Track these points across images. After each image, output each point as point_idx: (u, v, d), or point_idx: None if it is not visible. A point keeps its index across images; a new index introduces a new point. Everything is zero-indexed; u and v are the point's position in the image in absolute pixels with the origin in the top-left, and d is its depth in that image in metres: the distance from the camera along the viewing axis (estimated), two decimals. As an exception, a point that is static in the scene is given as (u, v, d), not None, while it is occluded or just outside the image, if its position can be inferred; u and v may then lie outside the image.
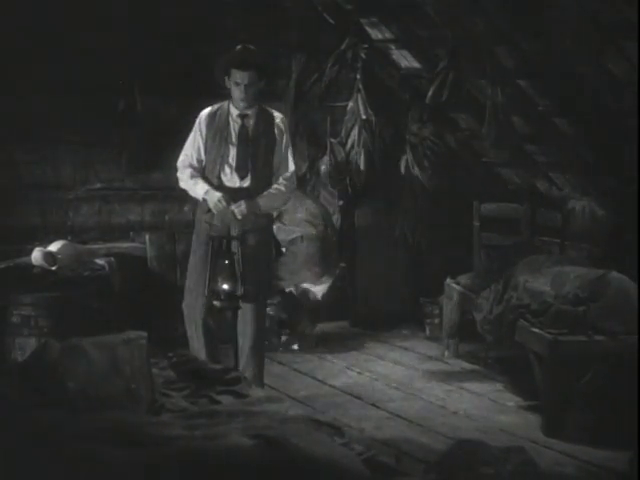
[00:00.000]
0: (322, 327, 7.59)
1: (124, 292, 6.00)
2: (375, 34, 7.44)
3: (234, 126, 5.56)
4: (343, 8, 7.34)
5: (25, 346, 5.77)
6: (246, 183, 5.52)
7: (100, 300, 5.76)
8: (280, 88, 7.48)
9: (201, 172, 5.57)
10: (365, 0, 7.15)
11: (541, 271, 5.85)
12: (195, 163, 5.59)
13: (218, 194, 5.43)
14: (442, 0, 6.33)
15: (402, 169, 7.61)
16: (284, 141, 5.62)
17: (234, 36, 7.23)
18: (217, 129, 5.57)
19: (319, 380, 6.25)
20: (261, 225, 5.59)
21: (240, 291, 5.36)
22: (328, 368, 6.57)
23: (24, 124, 6.59)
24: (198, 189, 5.54)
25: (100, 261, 6.40)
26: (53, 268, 6.24)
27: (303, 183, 7.72)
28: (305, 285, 7.14)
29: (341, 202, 7.65)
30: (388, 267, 7.81)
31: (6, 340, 5.92)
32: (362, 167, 7.54)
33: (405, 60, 7.48)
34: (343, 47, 7.50)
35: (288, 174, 5.61)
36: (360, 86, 7.53)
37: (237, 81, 5.46)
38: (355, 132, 7.56)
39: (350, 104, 7.57)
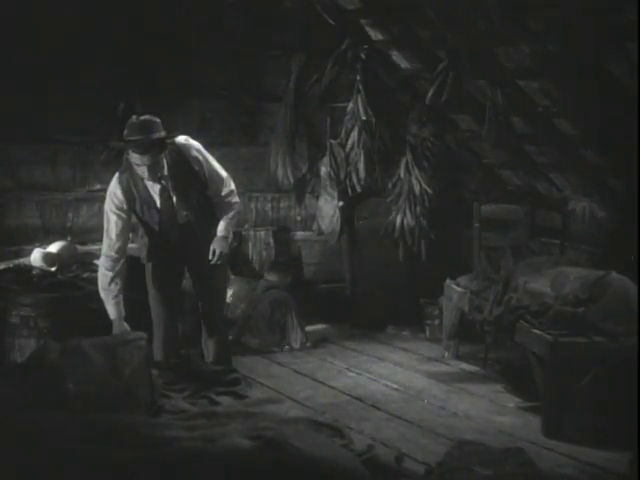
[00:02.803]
0: (322, 328, 7.60)
1: (123, 293, 5.98)
2: (375, 35, 7.43)
3: (154, 191, 5.44)
4: (343, 8, 7.33)
5: (24, 347, 5.77)
6: (185, 220, 5.51)
7: (99, 301, 5.75)
8: (280, 89, 7.47)
9: (119, 264, 5.47)
10: (365, 0, 7.14)
11: (541, 272, 5.85)
12: (116, 252, 5.45)
13: (121, 329, 5.43)
14: (442, 0, 6.32)
15: (402, 170, 7.60)
16: (202, 162, 5.48)
17: (234, 36, 7.28)
18: (142, 200, 5.44)
19: (319, 381, 6.24)
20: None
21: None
22: (328, 369, 6.56)
23: (24, 124, 6.58)
24: (109, 308, 5.49)
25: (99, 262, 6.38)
26: (53, 269, 6.24)
27: (303, 184, 7.73)
28: None
29: (341, 203, 7.64)
30: (388, 268, 7.80)
31: (5, 341, 5.91)
32: (362, 168, 7.54)
33: (405, 61, 7.48)
34: (343, 48, 7.49)
35: (223, 179, 5.56)
36: (360, 87, 7.52)
37: (137, 163, 5.27)
38: (355, 133, 7.54)
39: (350, 105, 7.55)
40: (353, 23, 7.41)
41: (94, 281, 6.07)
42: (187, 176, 5.45)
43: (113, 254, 5.46)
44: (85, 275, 6.25)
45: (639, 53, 5.11)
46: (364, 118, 7.51)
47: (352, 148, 7.57)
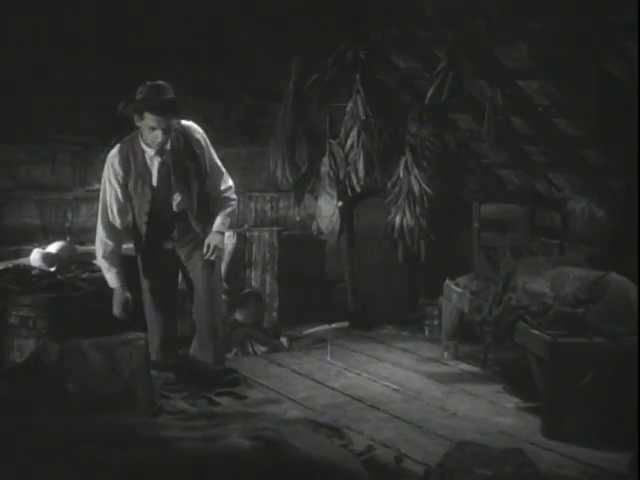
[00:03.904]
0: (322, 328, 7.60)
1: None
2: (375, 35, 7.43)
3: (153, 165, 5.37)
4: (343, 8, 7.32)
5: (24, 347, 5.77)
6: (181, 208, 5.44)
7: (99, 301, 5.74)
8: (280, 89, 7.46)
9: (120, 235, 5.44)
10: (365, 0, 7.14)
11: (540, 272, 5.84)
12: (116, 219, 5.40)
13: (123, 296, 5.41)
14: (442, 0, 6.32)
15: (401, 170, 7.60)
16: (205, 150, 5.47)
17: (234, 36, 7.27)
18: (137, 173, 5.35)
19: (318, 382, 6.24)
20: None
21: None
22: (327, 369, 6.56)
23: (24, 124, 6.58)
24: (109, 277, 5.47)
25: (99, 262, 6.38)
26: (52, 269, 6.24)
27: (302, 184, 7.72)
28: None
29: (340, 203, 7.64)
30: (388, 268, 7.80)
31: (5, 341, 5.91)
32: (361, 168, 7.53)
33: (405, 60, 7.48)
34: (343, 48, 7.49)
35: (223, 173, 5.55)
36: (359, 87, 7.51)
37: (153, 125, 5.21)
38: (354, 133, 7.54)
39: (349, 105, 7.55)
40: (353, 23, 7.41)
41: (94, 281, 6.08)
42: (189, 159, 5.41)
43: (111, 222, 5.42)
44: (84, 275, 6.24)
45: (639, 53, 5.11)
46: (363, 118, 7.51)
47: (351, 148, 7.57)
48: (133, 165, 5.35)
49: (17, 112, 6.49)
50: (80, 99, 6.67)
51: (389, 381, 6.25)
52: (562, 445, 4.98)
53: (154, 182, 5.37)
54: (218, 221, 5.53)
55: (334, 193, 7.61)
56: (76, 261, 6.43)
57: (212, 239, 5.47)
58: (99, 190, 6.05)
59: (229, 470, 3.71)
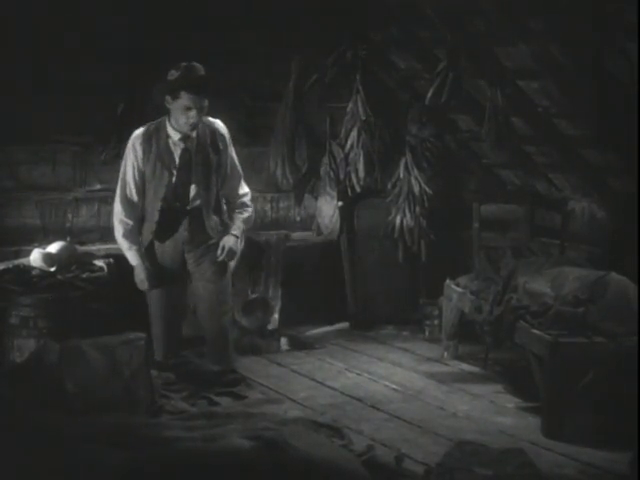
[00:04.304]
0: (322, 329, 7.60)
1: (123, 293, 5.97)
2: (374, 34, 7.42)
3: (176, 151, 5.29)
4: (343, 8, 7.32)
5: (24, 347, 5.77)
6: (195, 203, 5.36)
7: (99, 301, 5.74)
8: (280, 89, 7.46)
9: (138, 212, 5.33)
10: (365, 0, 7.14)
11: (541, 272, 5.85)
12: (134, 197, 5.29)
13: (145, 273, 5.33)
14: (442, 0, 6.32)
15: (401, 170, 7.60)
16: (228, 148, 5.44)
17: (234, 36, 7.27)
18: (157, 156, 5.27)
19: (318, 381, 6.25)
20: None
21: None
22: (327, 369, 6.57)
23: (24, 124, 6.58)
24: (130, 255, 5.38)
25: (99, 262, 6.38)
26: (52, 269, 6.24)
27: (302, 184, 7.72)
28: None
29: (340, 203, 7.64)
30: (388, 268, 7.80)
31: (5, 341, 5.91)
32: (361, 168, 7.53)
33: (405, 60, 7.48)
34: (343, 48, 7.49)
35: (242, 177, 5.54)
36: (359, 87, 7.52)
37: (189, 105, 5.14)
38: (354, 133, 7.54)
39: (349, 105, 7.55)
40: (353, 23, 7.41)
41: (93, 281, 6.08)
42: (212, 152, 5.35)
43: (130, 198, 5.30)
44: (84, 275, 6.24)
45: (639, 53, 5.11)
46: (364, 118, 7.51)
47: (351, 148, 7.57)
48: (155, 148, 5.27)
49: (17, 112, 6.49)
50: (80, 99, 6.67)
51: (389, 381, 6.25)
52: (562, 445, 4.98)
53: (174, 168, 5.30)
54: (236, 224, 5.49)
55: (334, 193, 7.62)
56: (76, 261, 6.43)
57: (227, 241, 5.41)
58: (99, 190, 6.08)
59: (229, 470, 3.70)
